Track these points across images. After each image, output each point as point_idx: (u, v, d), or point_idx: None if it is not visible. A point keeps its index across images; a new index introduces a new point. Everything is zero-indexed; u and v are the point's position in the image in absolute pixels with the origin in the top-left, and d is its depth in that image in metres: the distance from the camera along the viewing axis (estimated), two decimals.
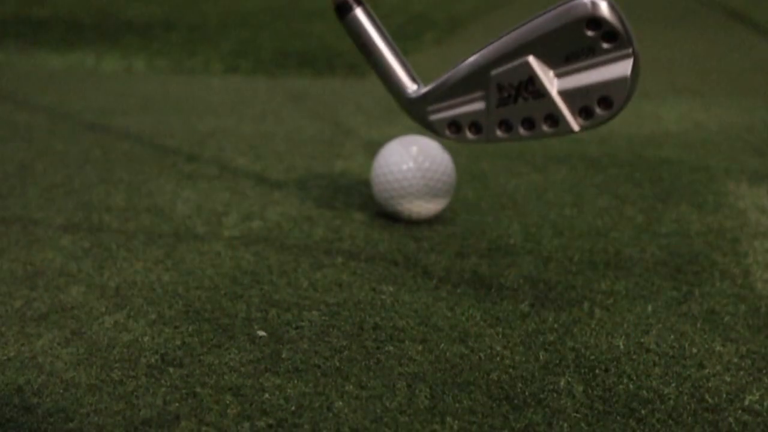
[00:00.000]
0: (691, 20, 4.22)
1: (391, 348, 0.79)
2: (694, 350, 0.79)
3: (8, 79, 2.32)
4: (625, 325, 0.84)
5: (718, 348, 0.80)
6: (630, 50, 0.71)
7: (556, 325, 0.84)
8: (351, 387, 0.72)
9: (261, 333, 0.82)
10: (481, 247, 1.05)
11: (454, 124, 0.82)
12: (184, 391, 0.71)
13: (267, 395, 0.71)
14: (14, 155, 1.47)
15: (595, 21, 0.71)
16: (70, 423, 0.67)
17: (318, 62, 2.60)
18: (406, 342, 0.81)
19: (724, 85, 2.31)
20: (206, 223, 1.13)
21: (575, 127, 0.75)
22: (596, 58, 0.72)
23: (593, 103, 0.74)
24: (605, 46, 0.71)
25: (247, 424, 0.67)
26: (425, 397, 0.71)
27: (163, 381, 0.73)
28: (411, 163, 1.08)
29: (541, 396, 0.71)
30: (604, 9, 0.70)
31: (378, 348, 0.79)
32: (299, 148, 1.54)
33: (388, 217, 1.14)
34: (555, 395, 0.72)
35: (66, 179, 1.32)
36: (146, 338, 0.81)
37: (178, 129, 1.68)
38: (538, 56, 0.75)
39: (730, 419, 0.68)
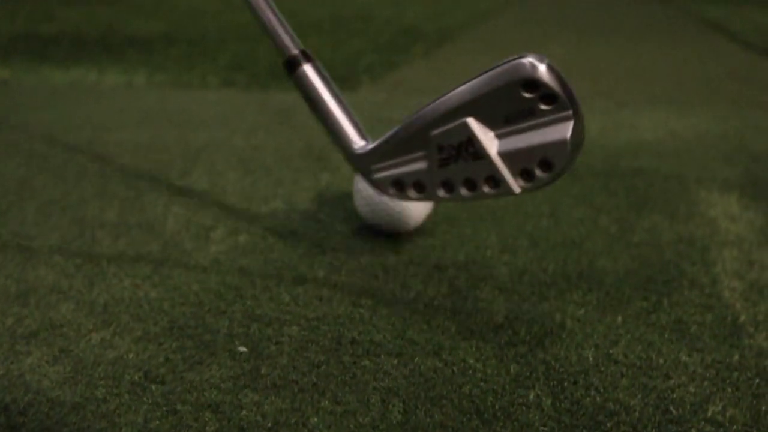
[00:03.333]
0: (669, 30, 4.26)
1: (367, 362, 0.82)
2: (661, 361, 0.82)
3: (13, 96, 2.35)
4: (595, 336, 0.87)
5: (684, 358, 0.82)
6: (570, 112, 0.70)
7: (528, 337, 0.87)
8: (326, 403, 0.75)
9: (242, 349, 0.85)
10: (459, 259, 1.07)
11: (398, 183, 0.81)
12: (164, 408, 0.74)
13: (245, 412, 0.73)
14: (15, 171, 1.50)
15: (532, 83, 0.70)
16: None
17: None
18: (382, 356, 0.83)
19: (700, 93, 2.35)
20: (194, 238, 1.15)
21: (516, 189, 0.74)
22: (536, 119, 0.71)
23: (533, 166, 0.73)
24: (544, 108, 0.70)
25: None
26: (398, 411, 0.74)
27: (145, 398, 0.76)
28: None
29: (511, 410, 0.74)
30: (542, 71, 0.69)
31: (354, 363, 0.82)
32: (287, 162, 1.57)
33: (369, 229, 1.16)
34: (524, 408, 0.74)
35: (63, 195, 1.35)
36: (131, 355, 0.83)
37: (173, 143, 1.71)
38: (477, 117, 0.74)
39: (693, 431, 0.71)
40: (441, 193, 0.79)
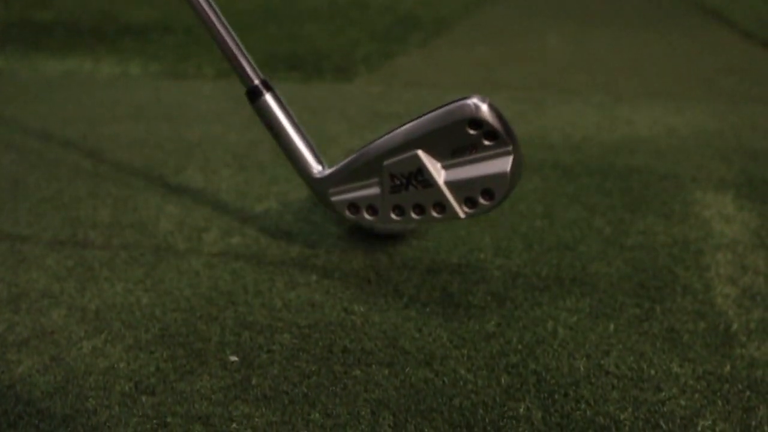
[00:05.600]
0: (668, 19, 4.22)
1: (358, 372, 0.82)
2: (653, 372, 0.82)
3: (7, 87, 2.34)
4: (587, 346, 0.87)
5: (675, 369, 0.82)
6: (510, 148, 0.81)
7: (519, 346, 0.87)
8: (317, 415, 0.75)
9: (233, 358, 0.85)
10: (452, 262, 1.07)
11: (353, 206, 0.91)
12: (155, 420, 0.74)
13: (235, 425, 0.73)
14: (8, 168, 1.49)
15: (475, 122, 0.80)
16: None
17: (306, 66, 2.62)
18: (373, 366, 0.83)
19: (698, 87, 2.33)
20: (187, 240, 1.15)
21: (461, 214, 0.85)
22: (479, 153, 0.82)
23: (477, 194, 0.83)
24: (486, 143, 0.81)
25: None
26: (388, 425, 0.73)
27: (135, 410, 0.76)
28: None
29: (501, 424, 0.74)
30: (485, 112, 0.79)
31: (345, 372, 0.82)
32: (282, 158, 1.55)
33: (363, 231, 1.16)
34: (514, 422, 0.74)
35: (56, 193, 1.34)
36: (122, 364, 0.83)
37: (167, 138, 1.71)
38: (426, 150, 0.83)
39: None
40: (393, 216, 0.89)
